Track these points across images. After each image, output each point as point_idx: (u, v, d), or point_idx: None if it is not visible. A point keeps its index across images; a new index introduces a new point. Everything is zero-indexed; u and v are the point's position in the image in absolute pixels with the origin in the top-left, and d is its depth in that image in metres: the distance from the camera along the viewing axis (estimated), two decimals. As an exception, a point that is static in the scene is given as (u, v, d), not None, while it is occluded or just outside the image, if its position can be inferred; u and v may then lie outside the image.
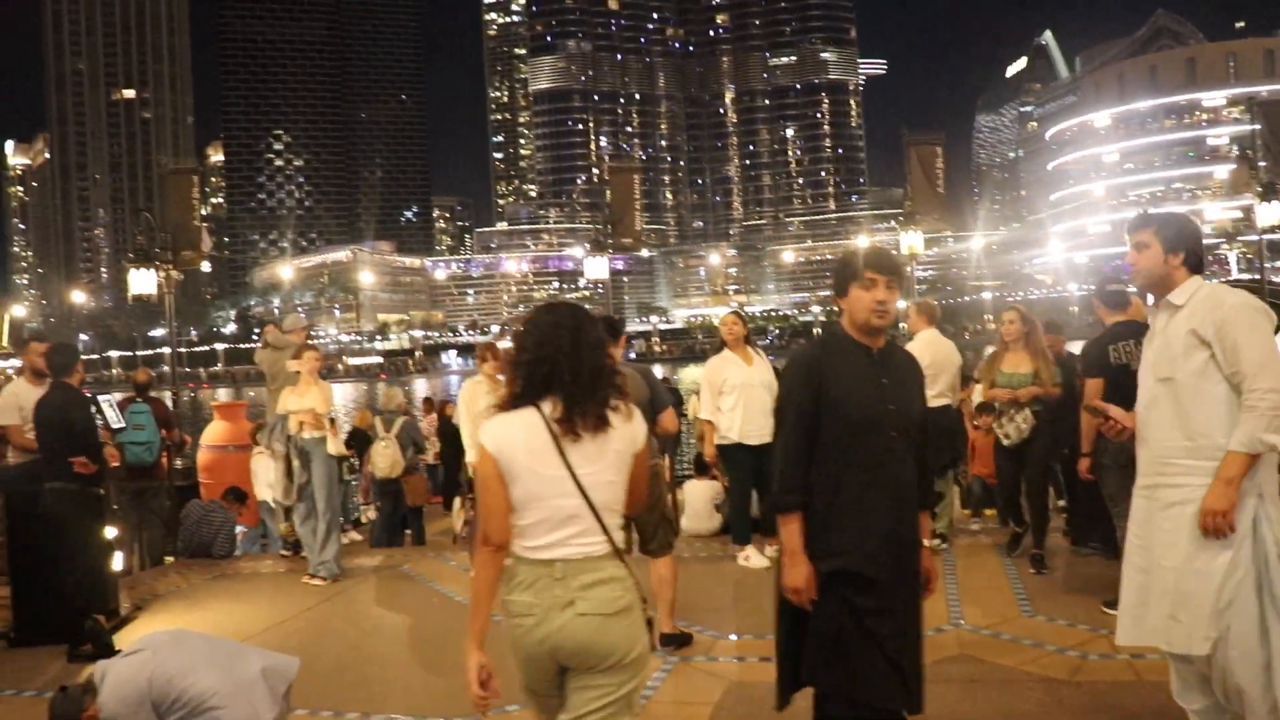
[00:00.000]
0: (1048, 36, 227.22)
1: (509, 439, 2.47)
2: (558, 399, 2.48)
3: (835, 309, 3.16)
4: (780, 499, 3.11)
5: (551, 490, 2.45)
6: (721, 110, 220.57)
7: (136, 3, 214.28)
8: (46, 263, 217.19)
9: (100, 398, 7.97)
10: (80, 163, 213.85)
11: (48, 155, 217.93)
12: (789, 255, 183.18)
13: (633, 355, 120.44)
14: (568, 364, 2.49)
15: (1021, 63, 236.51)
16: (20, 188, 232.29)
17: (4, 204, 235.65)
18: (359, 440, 11.42)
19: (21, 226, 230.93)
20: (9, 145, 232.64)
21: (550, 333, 2.55)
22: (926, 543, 3.21)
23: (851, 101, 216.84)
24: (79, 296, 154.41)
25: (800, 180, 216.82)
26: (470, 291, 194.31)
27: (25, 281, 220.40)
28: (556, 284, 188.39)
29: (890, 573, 3.05)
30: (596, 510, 2.46)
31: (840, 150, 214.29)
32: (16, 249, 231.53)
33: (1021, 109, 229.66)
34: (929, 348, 7.16)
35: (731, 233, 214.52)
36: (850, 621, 3.02)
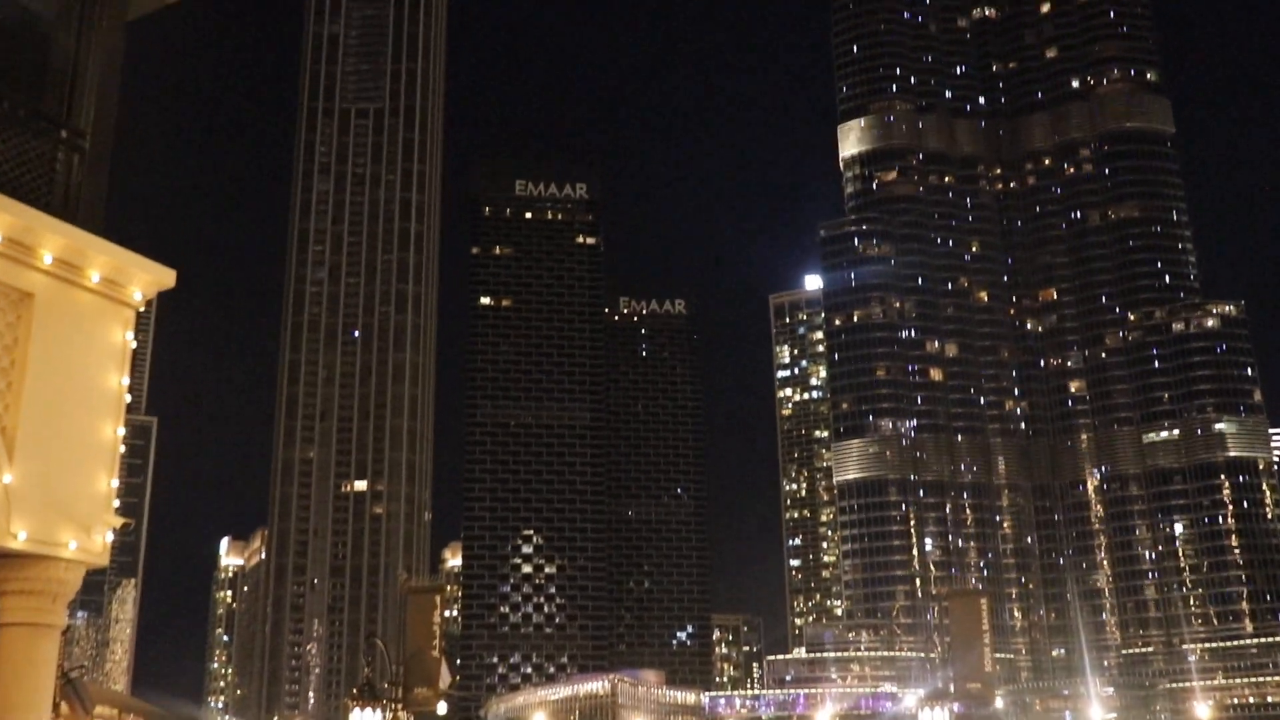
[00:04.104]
0: None
1: None
2: None
3: None
4: None
5: None
6: (1084, 503, 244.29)
7: (377, 384, 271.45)
8: (248, 683, 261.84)
9: None
10: (299, 564, 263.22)
11: (264, 555, 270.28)
12: (1195, 701, 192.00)
13: None
14: None
15: None
16: (230, 592, 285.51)
17: (211, 611, 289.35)
18: None
19: (225, 639, 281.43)
20: (224, 543, 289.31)
21: None
22: None
23: (1265, 484, 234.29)
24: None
25: (1199, 592, 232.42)
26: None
27: (221, 705, 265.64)
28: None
29: None
30: None
31: (1253, 551, 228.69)
32: (217, 664, 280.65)
33: None
34: None
35: (1106, 664, 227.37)
36: None
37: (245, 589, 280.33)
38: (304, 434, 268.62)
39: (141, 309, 13.65)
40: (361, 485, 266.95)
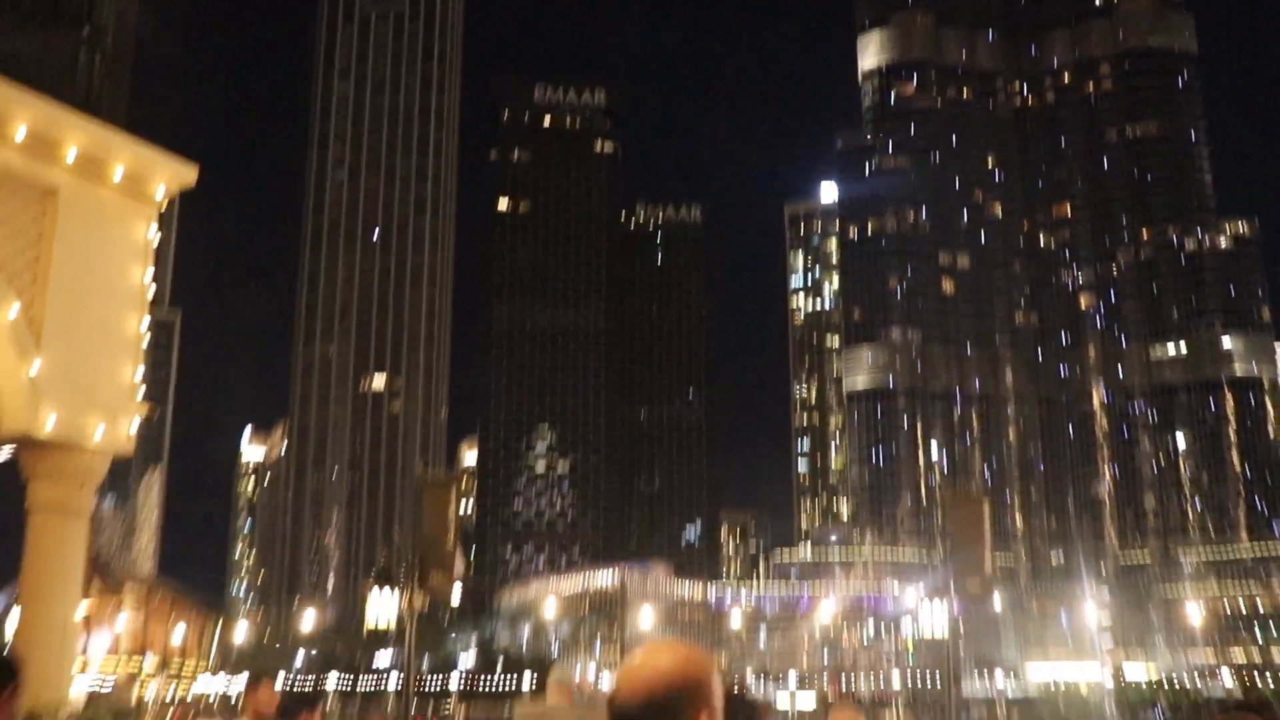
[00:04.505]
0: None
1: None
2: None
3: None
4: None
5: None
6: (1088, 415, 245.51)
7: (396, 288, 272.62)
8: (269, 569, 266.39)
9: None
10: (318, 456, 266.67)
11: (285, 448, 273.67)
12: (1188, 604, 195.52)
13: None
14: None
15: None
16: (251, 482, 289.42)
17: (232, 500, 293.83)
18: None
19: (247, 527, 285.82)
20: (246, 435, 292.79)
21: None
22: None
23: (1268, 401, 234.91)
24: (307, 620, 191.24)
25: (1197, 504, 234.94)
26: (763, 632, 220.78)
27: (243, 589, 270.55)
28: (873, 628, 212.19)
29: None
30: None
31: (1254, 466, 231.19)
32: (239, 550, 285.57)
33: None
34: None
35: (1103, 571, 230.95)
36: None
37: (267, 480, 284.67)
38: (324, 332, 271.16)
39: (164, 206, 13.79)
40: (380, 383, 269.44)
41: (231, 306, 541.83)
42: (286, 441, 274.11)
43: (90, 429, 12.43)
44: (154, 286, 14.00)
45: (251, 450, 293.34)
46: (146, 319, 13.61)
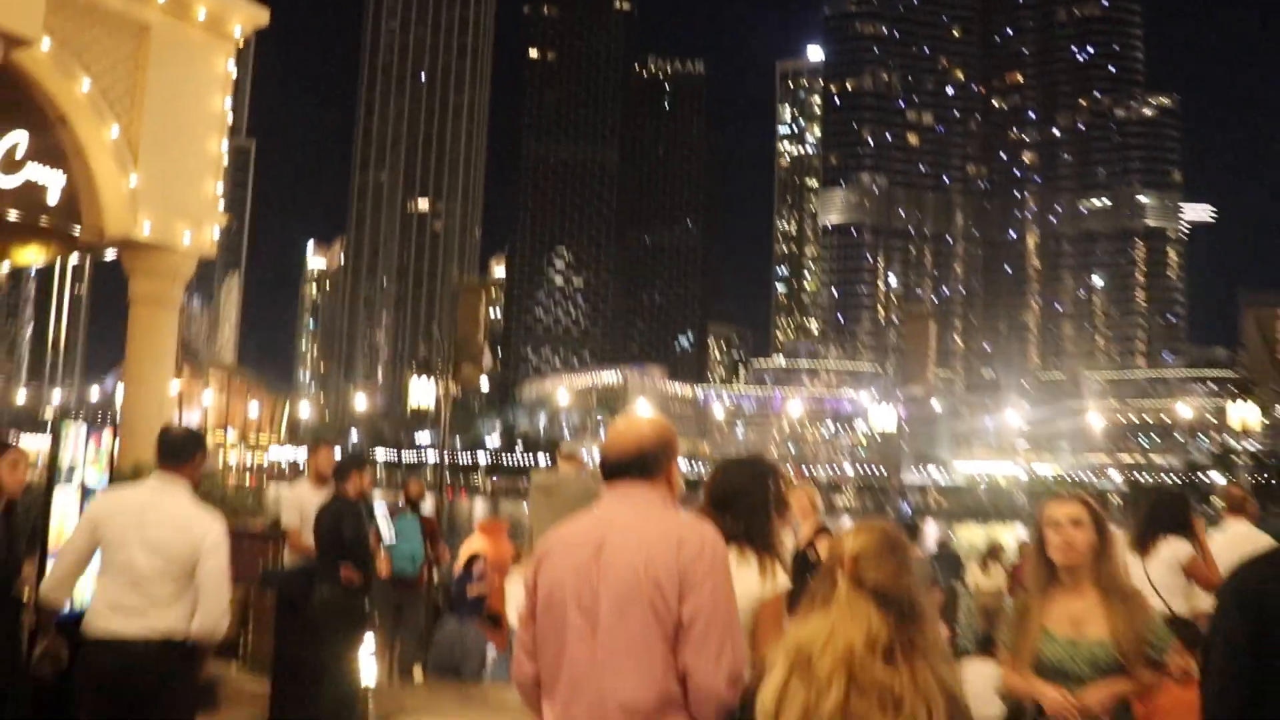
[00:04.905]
0: None
1: None
2: None
3: None
4: None
5: None
6: (1022, 254, 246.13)
7: (440, 121, 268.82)
8: (330, 361, 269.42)
9: (374, 508, 9.37)
10: (371, 267, 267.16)
11: (343, 259, 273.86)
12: (1090, 415, 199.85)
13: (908, 509, 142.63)
14: None
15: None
16: (315, 288, 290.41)
17: (298, 302, 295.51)
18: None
19: (311, 325, 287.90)
20: (310, 247, 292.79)
21: None
22: None
23: (1170, 250, 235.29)
24: (360, 403, 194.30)
25: (1107, 333, 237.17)
26: (740, 426, 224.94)
27: (308, 377, 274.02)
28: (832, 426, 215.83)
29: None
30: None
31: (1155, 303, 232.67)
32: (304, 346, 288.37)
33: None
34: (1237, 544, 6.80)
35: (1025, 385, 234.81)
36: None
37: (328, 286, 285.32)
38: (377, 160, 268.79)
39: (241, 44, 13.55)
40: (424, 205, 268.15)
41: (299, 137, 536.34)
42: (344, 254, 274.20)
43: (179, 234, 12.43)
44: (232, 116, 13.84)
45: (315, 260, 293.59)
46: (225, 142, 13.49)
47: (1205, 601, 7.16)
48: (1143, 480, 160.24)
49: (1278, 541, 3.36)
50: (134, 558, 4.54)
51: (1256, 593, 2.88)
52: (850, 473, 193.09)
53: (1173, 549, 6.70)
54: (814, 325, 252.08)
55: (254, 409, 57.45)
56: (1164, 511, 6.91)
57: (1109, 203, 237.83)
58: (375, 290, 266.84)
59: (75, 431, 5.69)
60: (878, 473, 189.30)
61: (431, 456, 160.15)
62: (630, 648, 2.84)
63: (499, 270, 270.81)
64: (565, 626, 2.99)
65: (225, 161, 13.43)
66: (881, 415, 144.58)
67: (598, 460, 3.27)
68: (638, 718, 2.83)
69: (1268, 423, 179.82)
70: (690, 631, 2.79)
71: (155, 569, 4.53)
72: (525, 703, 3.09)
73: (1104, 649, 3.75)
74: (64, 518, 5.66)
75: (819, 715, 2.38)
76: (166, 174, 12.36)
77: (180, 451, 4.87)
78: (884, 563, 2.61)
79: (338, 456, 8.92)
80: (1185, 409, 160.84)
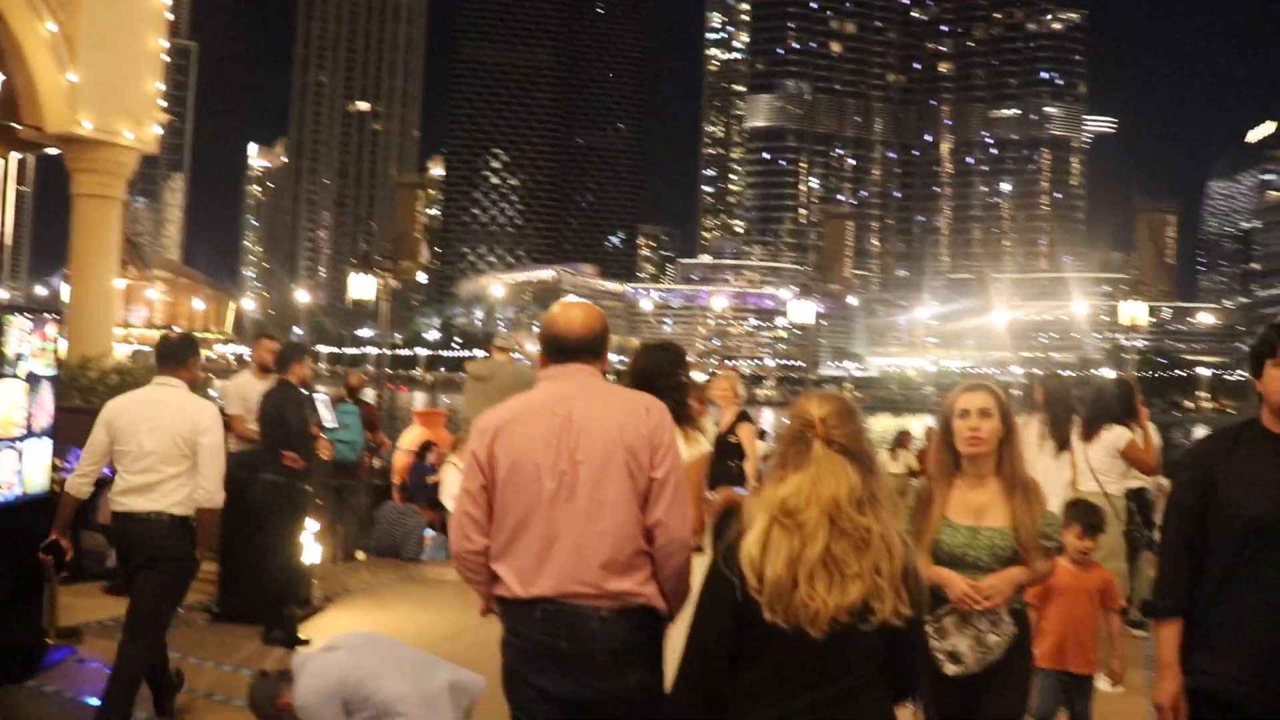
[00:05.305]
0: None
1: None
2: None
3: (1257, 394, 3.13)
4: (1155, 603, 3.24)
5: None
6: (937, 160, 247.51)
7: (379, 23, 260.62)
8: (273, 259, 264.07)
9: (316, 396, 9.27)
10: (312, 168, 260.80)
11: (285, 159, 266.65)
12: (995, 313, 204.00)
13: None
14: None
15: (1267, 128, 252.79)
16: (258, 187, 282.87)
17: (242, 201, 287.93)
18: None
19: (255, 224, 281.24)
20: (252, 148, 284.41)
21: None
22: None
23: (1074, 159, 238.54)
24: (302, 296, 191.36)
25: (1013, 236, 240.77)
26: (668, 321, 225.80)
27: (253, 274, 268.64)
28: (755, 321, 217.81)
29: (1270, 708, 2.97)
30: None
31: (1058, 209, 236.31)
32: (248, 243, 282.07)
33: (1262, 176, 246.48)
34: (1121, 429, 7.33)
35: (936, 285, 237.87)
36: None
37: (271, 185, 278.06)
38: (318, 61, 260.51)
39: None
40: (364, 106, 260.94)
41: (241, 38, 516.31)
42: (287, 154, 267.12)
43: (120, 130, 12.05)
44: (172, 14, 13.32)
45: (258, 160, 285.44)
46: (165, 41, 13.01)
47: (1139, 483, 7.56)
48: (1039, 371, 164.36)
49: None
50: (141, 443, 5.05)
51: (1206, 463, 3.18)
52: (771, 364, 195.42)
53: (1114, 435, 7.04)
54: (739, 226, 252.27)
55: (200, 305, 56.59)
56: (1110, 400, 7.19)
57: (1018, 112, 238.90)
58: (317, 189, 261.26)
59: (20, 324, 5.61)
60: (796, 365, 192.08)
61: (374, 351, 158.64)
62: (608, 508, 3.03)
63: (438, 170, 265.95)
64: (537, 493, 3.08)
65: (165, 59, 12.98)
66: (801, 311, 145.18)
67: (548, 342, 3.33)
68: (614, 569, 3.02)
69: (1155, 320, 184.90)
70: (664, 489, 3.03)
71: (159, 451, 5.04)
72: (464, 573, 3.25)
73: (1003, 538, 3.66)
74: (11, 407, 5.63)
75: (805, 559, 2.56)
76: (106, 71, 11.94)
77: (176, 355, 5.33)
78: (848, 424, 2.75)
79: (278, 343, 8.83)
80: (1081, 307, 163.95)
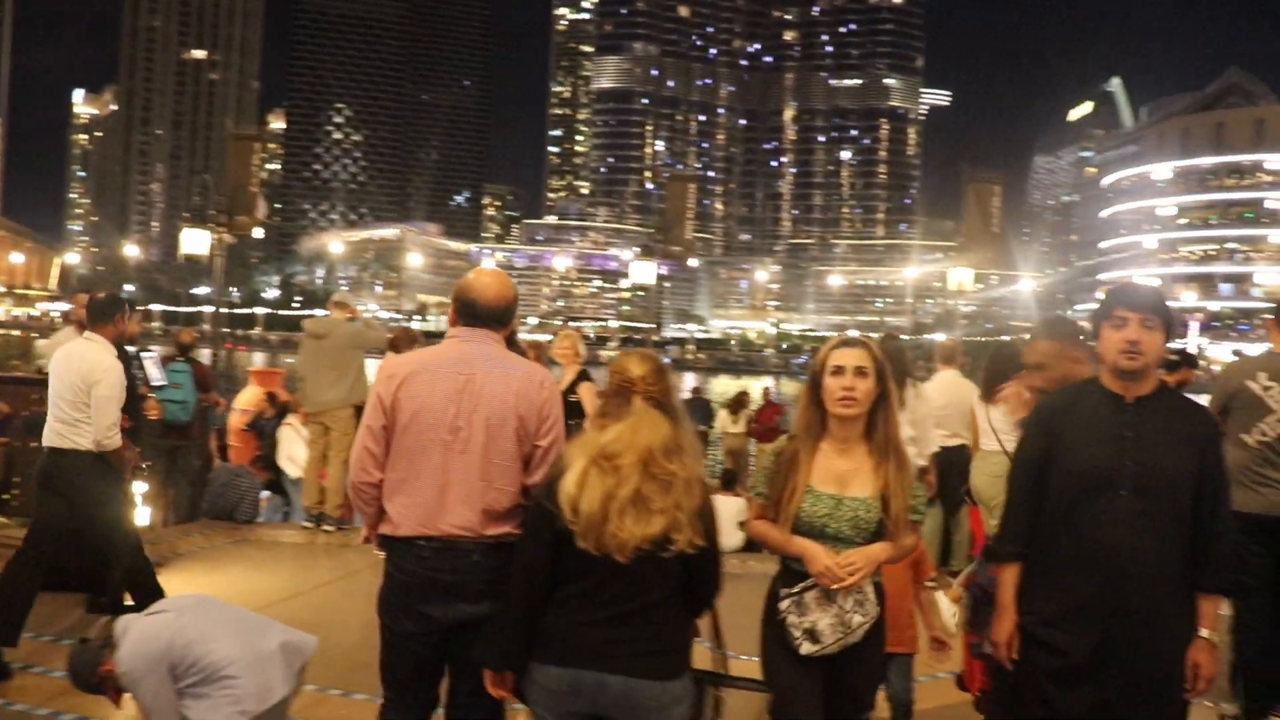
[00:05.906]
0: (1115, 83, 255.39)
1: None
2: None
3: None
4: (996, 549, 3.52)
5: None
6: (780, 127, 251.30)
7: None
8: (102, 211, 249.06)
9: (143, 354, 8.86)
10: (144, 117, 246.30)
11: (114, 107, 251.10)
12: (833, 278, 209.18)
13: (669, 361, 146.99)
14: None
15: (1086, 107, 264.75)
16: (85, 136, 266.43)
17: (67, 150, 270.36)
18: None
19: (81, 174, 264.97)
20: (78, 94, 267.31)
21: None
22: (1203, 632, 3.20)
23: (911, 130, 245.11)
24: (133, 251, 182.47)
25: (852, 204, 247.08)
26: (513, 280, 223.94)
27: (79, 228, 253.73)
28: (599, 283, 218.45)
29: (1090, 649, 3.17)
30: None
31: (894, 178, 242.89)
32: (74, 195, 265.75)
33: (1081, 153, 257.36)
34: (945, 389, 8.25)
35: (777, 249, 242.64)
36: (1034, 688, 3.31)
37: (99, 135, 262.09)
38: (149, 5, 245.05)
39: None
40: (200, 54, 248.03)
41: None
42: (117, 102, 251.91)
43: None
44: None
45: (84, 108, 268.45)
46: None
47: None
48: (873, 333, 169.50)
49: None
50: (57, 388, 5.91)
51: (1049, 418, 3.45)
52: (615, 325, 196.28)
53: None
54: (585, 187, 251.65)
55: (19, 259, 53.28)
56: (1004, 362, 7.52)
57: (859, 82, 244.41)
58: (150, 140, 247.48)
59: None
60: (641, 327, 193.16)
61: (209, 310, 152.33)
62: (496, 467, 3.45)
63: (279, 124, 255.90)
64: (433, 442, 3.44)
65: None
66: (642, 271, 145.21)
67: (462, 305, 3.67)
68: (494, 518, 3.46)
69: (981, 286, 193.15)
70: (546, 457, 3.46)
71: (64, 395, 5.87)
72: (358, 502, 3.63)
73: (868, 509, 3.36)
74: None
75: (619, 497, 2.96)
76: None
77: (102, 313, 6.10)
78: (663, 381, 3.15)
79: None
80: (913, 273, 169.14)
